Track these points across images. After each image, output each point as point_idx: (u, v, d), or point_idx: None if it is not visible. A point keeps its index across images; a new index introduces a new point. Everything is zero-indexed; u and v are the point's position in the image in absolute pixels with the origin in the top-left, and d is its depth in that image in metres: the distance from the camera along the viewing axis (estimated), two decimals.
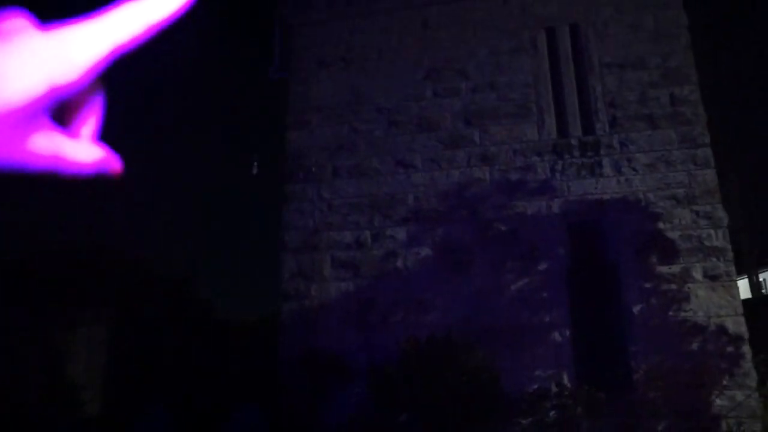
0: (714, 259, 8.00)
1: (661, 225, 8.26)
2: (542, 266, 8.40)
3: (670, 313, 7.89)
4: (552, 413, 7.22)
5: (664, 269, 8.06)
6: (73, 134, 0.46)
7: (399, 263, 8.85)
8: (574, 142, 8.88)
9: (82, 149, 0.45)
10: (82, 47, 0.43)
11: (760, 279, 15.51)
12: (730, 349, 7.64)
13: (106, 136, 0.47)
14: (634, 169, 8.56)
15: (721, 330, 7.71)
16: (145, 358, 8.82)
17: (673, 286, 7.96)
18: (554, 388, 7.36)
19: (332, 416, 7.75)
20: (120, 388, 8.26)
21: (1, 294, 8.75)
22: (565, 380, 7.65)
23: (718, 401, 7.43)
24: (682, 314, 7.85)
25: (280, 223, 9.43)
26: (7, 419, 6.47)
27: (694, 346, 7.70)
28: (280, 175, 9.66)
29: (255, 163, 10.00)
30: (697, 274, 7.98)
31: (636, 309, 7.97)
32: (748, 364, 7.55)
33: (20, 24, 0.41)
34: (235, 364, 9.95)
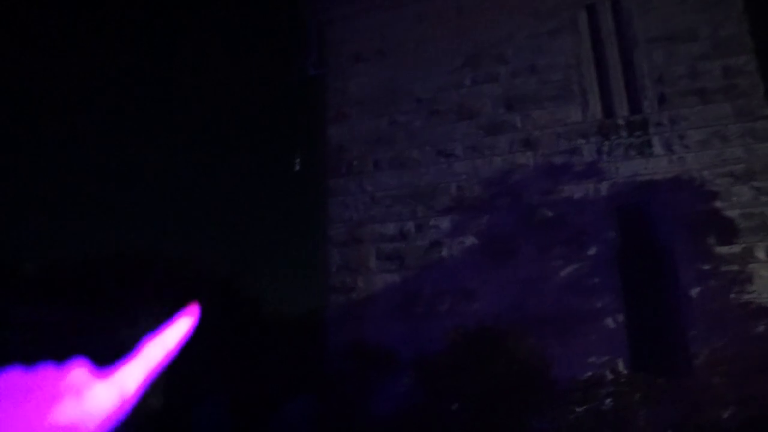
0: None
1: (718, 203, 7.87)
2: (591, 251, 8.16)
3: (732, 295, 7.51)
4: (608, 401, 7.00)
5: (723, 249, 7.68)
6: None
7: (444, 253, 8.78)
8: (620, 121, 8.57)
9: None
10: (131, 384, 0.55)
11: None
12: None
13: None
14: (687, 147, 8.18)
15: None
16: (200, 352, 9.12)
17: (734, 267, 7.58)
18: (609, 375, 7.14)
19: (380, 406, 7.78)
20: (179, 380, 8.58)
21: (69, 296, 9.24)
22: (620, 367, 7.42)
23: None
24: (745, 296, 7.46)
25: (325, 218, 9.53)
26: None
27: (760, 329, 7.31)
28: (322, 170, 9.76)
29: (297, 160, 10.14)
30: (760, 254, 7.57)
31: (694, 292, 7.63)
32: None
33: (83, 375, 0.51)
34: (285, 356, 10.15)
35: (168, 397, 8.32)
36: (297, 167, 10.12)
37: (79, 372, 0.55)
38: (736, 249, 7.64)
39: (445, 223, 8.89)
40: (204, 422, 6.60)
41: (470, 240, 8.73)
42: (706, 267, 7.68)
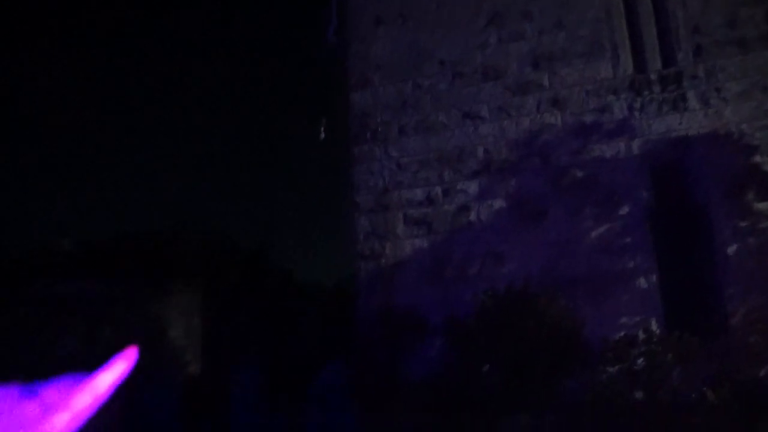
0: None
1: (757, 158, 7.60)
2: (623, 211, 8.00)
3: None
4: (640, 360, 6.96)
5: (763, 206, 7.45)
6: None
7: (472, 217, 8.73)
8: (653, 76, 8.26)
9: None
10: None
11: None
12: None
13: None
14: (724, 100, 7.86)
15: None
16: (233, 323, 9.36)
17: None
18: (642, 335, 7.07)
19: (411, 370, 7.90)
20: (214, 349, 8.85)
21: (104, 271, 9.54)
22: (654, 327, 7.34)
23: None
24: None
25: (351, 185, 9.54)
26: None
27: None
28: (347, 137, 9.73)
29: (322, 128, 10.11)
30: None
31: (731, 250, 7.44)
32: None
33: (86, 400, 0.54)
34: (317, 324, 10.35)
35: (207, 364, 8.60)
36: (322, 136, 10.09)
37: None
38: None
39: (472, 186, 8.81)
40: (241, 388, 6.82)
41: (499, 203, 8.64)
42: (744, 224, 7.47)
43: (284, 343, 9.86)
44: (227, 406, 6.54)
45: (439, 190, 8.99)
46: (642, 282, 7.73)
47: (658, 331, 7.17)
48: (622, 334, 7.27)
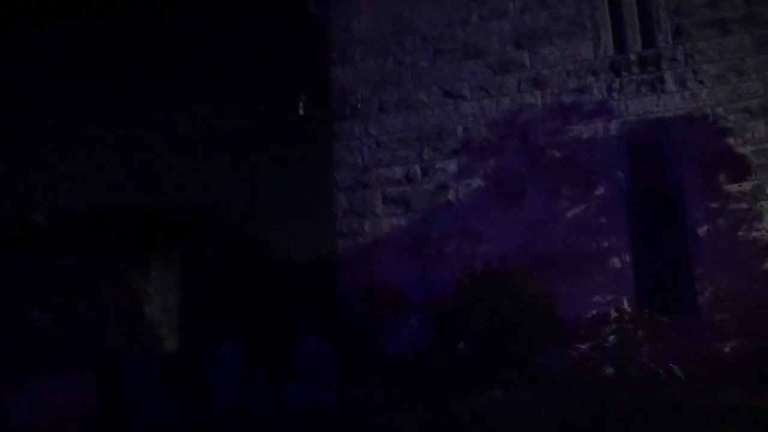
0: None
1: (731, 141, 7.73)
2: (600, 191, 8.12)
3: (740, 233, 7.50)
4: (612, 338, 7.18)
5: (733, 188, 7.61)
6: None
7: (451, 196, 8.78)
8: (633, 57, 8.30)
9: None
10: None
11: None
12: None
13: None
14: (701, 82, 7.95)
15: None
16: (213, 297, 9.34)
17: (744, 205, 7.53)
18: (614, 313, 7.27)
19: (390, 346, 8.02)
20: (193, 324, 8.84)
21: (79, 245, 9.38)
22: (625, 305, 7.54)
23: None
24: (754, 234, 7.46)
25: (331, 162, 9.49)
26: (95, 360, 7.09)
27: (766, 265, 7.34)
28: (328, 113, 9.63)
29: (301, 104, 9.98)
30: None
31: (702, 230, 7.63)
32: None
33: None
34: (297, 300, 10.38)
35: (184, 339, 8.60)
36: (301, 111, 9.97)
37: None
38: (746, 187, 7.56)
39: (451, 165, 8.83)
40: (220, 364, 6.84)
41: (477, 182, 8.69)
42: (715, 205, 7.64)
43: (264, 317, 9.88)
44: (205, 382, 6.58)
45: (418, 168, 8.99)
46: (616, 261, 7.89)
47: (629, 310, 7.37)
48: (594, 312, 7.47)
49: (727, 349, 7.16)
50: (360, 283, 8.57)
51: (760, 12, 7.86)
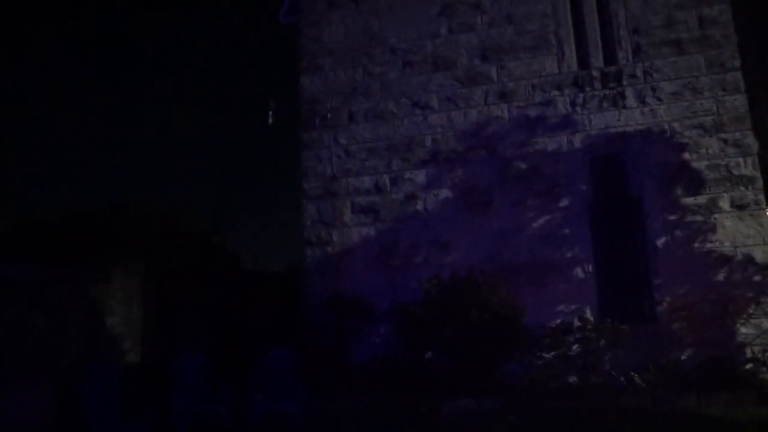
0: (742, 188, 7.79)
1: (686, 155, 8.03)
2: (564, 203, 8.32)
3: (696, 244, 7.79)
4: (575, 347, 7.32)
5: (689, 200, 7.90)
6: None
7: (419, 206, 8.86)
8: (595, 73, 8.57)
9: None
10: None
11: None
12: (757, 278, 7.55)
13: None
14: (659, 99, 8.26)
15: (748, 259, 7.60)
16: (179, 307, 9.17)
17: (699, 218, 7.82)
18: (577, 323, 7.43)
19: (359, 356, 8.01)
20: (157, 335, 8.65)
21: (40, 251, 9.09)
22: (588, 314, 7.71)
23: (743, 329, 7.43)
24: (708, 245, 7.74)
25: (300, 171, 9.46)
26: (53, 371, 6.87)
27: (720, 276, 7.63)
28: (297, 122, 9.62)
29: (270, 112, 9.94)
30: (724, 204, 7.81)
31: (660, 242, 7.88)
32: None
33: None
34: (265, 309, 10.28)
35: (148, 352, 8.40)
36: (270, 120, 9.93)
37: None
38: (701, 200, 7.86)
39: (420, 176, 8.92)
40: (184, 374, 6.71)
41: (445, 193, 8.80)
42: (673, 217, 7.92)
43: (231, 327, 9.74)
44: (169, 393, 6.43)
45: (387, 178, 9.05)
46: (579, 271, 8.08)
47: (592, 319, 7.54)
48: (559, 321, 7.61)
49: (684, 357, 7.39)
50: (328, 293, 8.54)
51: (712, 34, 8.23)
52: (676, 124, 8.13)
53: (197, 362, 6.74)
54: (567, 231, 8.24)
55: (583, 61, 8.71)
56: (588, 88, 8.54)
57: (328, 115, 9.47)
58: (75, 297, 7.68)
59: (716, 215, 7.78)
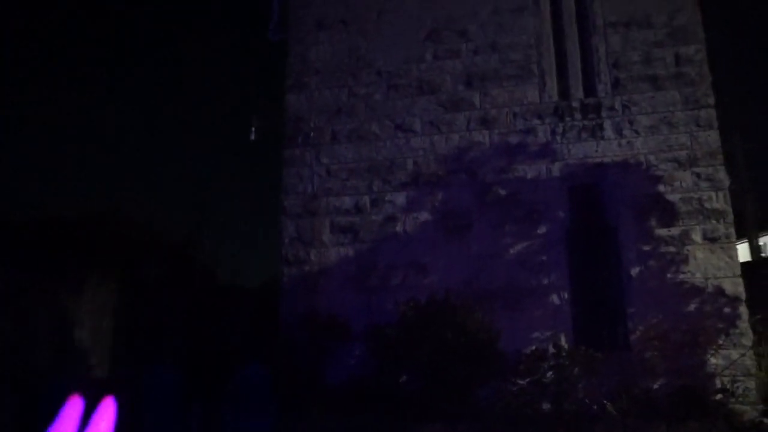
0: (714, 222, 7.99)
1: (661, 188, 8.23)
2: (542, 229, 8.42)
3: (669, 275, 7.93)
4: (549, 374, 7.34)
5: (663, 232, 8.07)
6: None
7: (398, 228, 8.88)
8: (575, 104, 8.77)
9: None
10: None
11: (761, 243, 15.51)
12: (727, 309, 7.70)
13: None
14: (636, 132, 8.47)
15: (719, 291, 7.76)
16: (151, 320, 8.99)
17: (672, 249, 7.98)
18: (552, 349, 7.47)
19: (333, 376, 7.93)
20: (127, 349, 8.45)
21: (7, 258, 8.86)
22: (563, 341, 7.76)
23: (713, 360, 7.54)
24: (681, 276, 7.89)
25: (280, 189, 9.44)
26: (17, 381, 6.65)
27: (692, 307, 7.77)
28: (280, 139, 9.62)
29: (253, 128, 9.94)
30: (697, 237, 7.99)
31: (634, 271, 8.01)
32: (744, 324, 7.63)
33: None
34: (240, 326, 10.12)
35: (116, 367, 8.20)
36: (252, 136, 9.92)
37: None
38: (675, 231, 8.03)
39: (400, 198, 8.97)
40: (153, 390, 6.55)
41: (425, 216, 8.84)
42: (647, 248, 8.06)
43: (204, 343, 9.57)
44: (138, 408, 6.28)
45: (367, 199, 9.08)
46: (555, 298, 8.16)
47: (566, 346, 7.59)
48: (533, 347, 7.64)
49: (656, 386, 7.46)
50: (304, 312, 8.47)
51: (687, 72, 8.51)
52: (651, 157, 8.34)
53: (168, 378, 6.60)
54: (544, 257, 8.33)
55: (564, 92, 8.91)
56: (568, 118, 8.72)
57: (312, 134, 9.50)
58: (44, 305, 7.49)
59: (689, 247, 7.95)
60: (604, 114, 8.61)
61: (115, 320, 8.54)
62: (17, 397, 6.21)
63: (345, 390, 7.60)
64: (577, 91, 8.85)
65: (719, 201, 8.05)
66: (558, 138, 8.68)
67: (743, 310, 7.68)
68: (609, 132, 8.54)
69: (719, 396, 7.25)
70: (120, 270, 8.99)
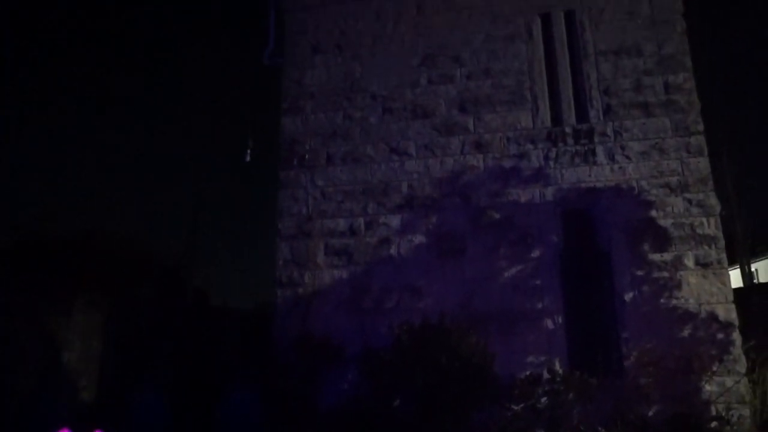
0: (706, 247, 8.05)
1: (653, 213, 8.30)
2: (535, 253, 8.44)
3: (662, 300, 7.95)
4: (544, 399, 7.28)
5: (656, 257, 8.11)
6: None
7: (393, 250, 8.87)
8: (568, 129, 8.88)
9: None
10: None
11: (753, 269, 15.62)
12: (720, 335, 7.71)
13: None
14: (628, 157, 8.57)
15: (712, 317, 7.77)
16: (141, 343, 8.86)
17: (665, 274, 8.02)
18: (546, 375, 7.42)
19: (325, 399, 7.82)
20: (116, 373, 8.31)
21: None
22: (557, 366, 7.72)
23: (707, 387, 7.52)
24: (674, 301, 7.91)
25: (275, 210, 9.43)
26: (4, 405, 6.50)
27: (685, 332, 7.77)
28: (274, 162, 9.66)
29: (248, 150, 9.98)
30: (689, 262, 8.03)
31: (628, 296, 8.02)
32: (737, 350, 7.63)
33: None
34: (231, 348, 10.00)
35: (105, 389, 8.05)
36: (248, 158, 9.96)
37: None
38: (667, 257, 8.08)
39: (395, 220, 8.98)
40: (142, 414, 6.43)
41: (419, 238, 8.85)
42: (640, 273, 8.09)
43: (195, 366, 9.43)
44: None
45: (362, 221, 9.08)
46: (549, 323, 8.13)
47: (561, 371, 7.54)
48: (528, 372, 7.59)
49: (650, 413, 7.41)
50: (297, 334, 8.39)
51: (677, 100, 8.67)
52: (643, 182, 8.43)
53: (155, 401, 6.49)
54: (538, 281, 8.33)
55: (557, 118, 9.03)
56: (561, 144, 8.82)
57: (307, 156, 9.54)
58: (33, 328, 7.38)
59: (681, 272, 7.99)
60: (596, 139, 8.72)
61: (104, 343, 8.41)
62: (3, 421, 6.08)
63: (338, 415, 7.49)
64: (570, 117, 8.97)
65: (710, 227, 8.12)
66: (551, 163, 8.77)
67: (736, 336, 7.69)
68: (601, 157, 8.64)
69: (714, 424, 7.21)
70: (111, 291, 8.90)
